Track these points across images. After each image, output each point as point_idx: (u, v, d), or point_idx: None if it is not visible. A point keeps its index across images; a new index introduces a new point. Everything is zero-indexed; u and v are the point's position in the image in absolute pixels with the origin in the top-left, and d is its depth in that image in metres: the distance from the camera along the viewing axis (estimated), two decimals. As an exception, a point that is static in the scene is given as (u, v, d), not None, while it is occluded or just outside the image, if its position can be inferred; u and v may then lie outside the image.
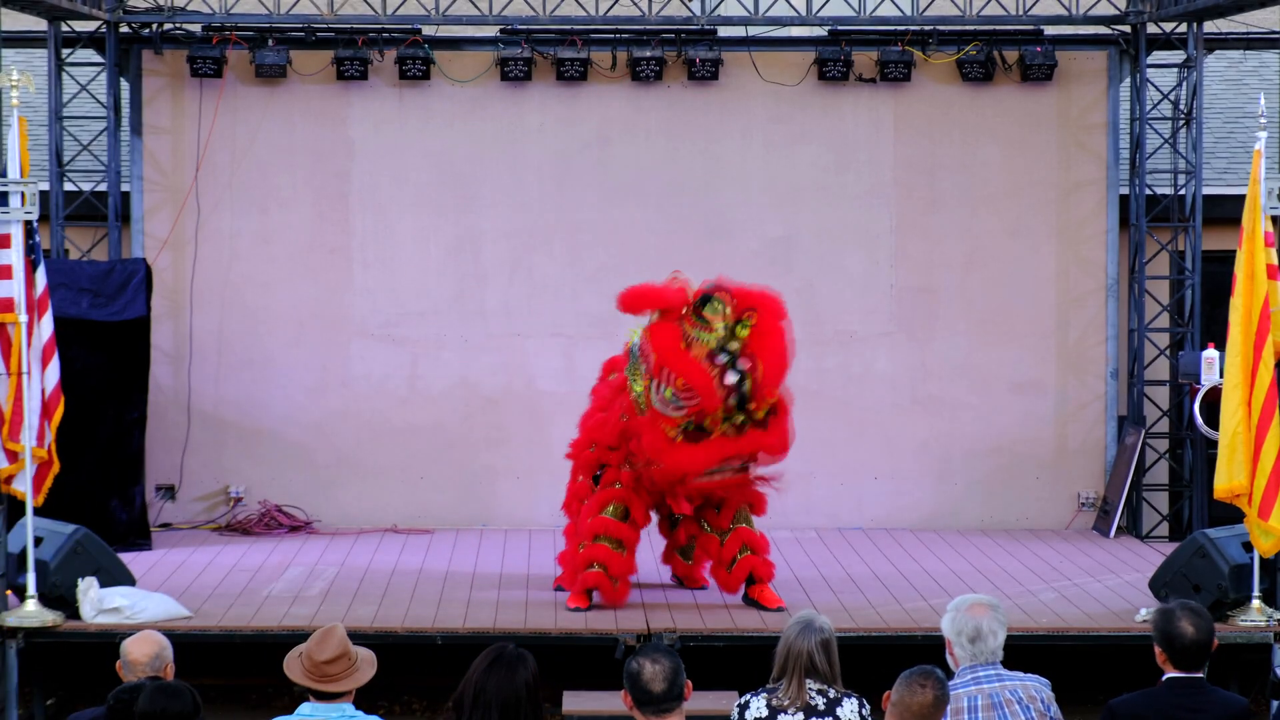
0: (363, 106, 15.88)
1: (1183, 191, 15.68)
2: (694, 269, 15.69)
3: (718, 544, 12.27)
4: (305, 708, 6.57)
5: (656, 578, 13.17)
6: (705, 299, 11.74)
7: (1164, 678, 6.83)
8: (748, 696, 6.75)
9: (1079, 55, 15.94)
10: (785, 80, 15.84)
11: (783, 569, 13.85)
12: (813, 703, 6.65)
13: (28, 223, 11.26)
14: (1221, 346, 11.27)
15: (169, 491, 15.79)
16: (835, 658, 6.74)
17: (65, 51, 15.61)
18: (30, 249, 11.30)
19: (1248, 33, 16.33)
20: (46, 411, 11.38)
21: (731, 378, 11.57)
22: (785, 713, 6.64)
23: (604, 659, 11.49)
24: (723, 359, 11.59)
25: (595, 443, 12.47)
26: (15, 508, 11.48)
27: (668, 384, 11.59)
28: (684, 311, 11.76)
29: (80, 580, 11.54)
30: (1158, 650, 6.81)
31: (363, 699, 6.77)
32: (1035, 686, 6.71)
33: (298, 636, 7.22)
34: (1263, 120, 11.23)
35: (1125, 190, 15.85)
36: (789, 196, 15.94)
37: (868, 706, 6.73)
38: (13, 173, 11.25)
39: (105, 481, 14.48)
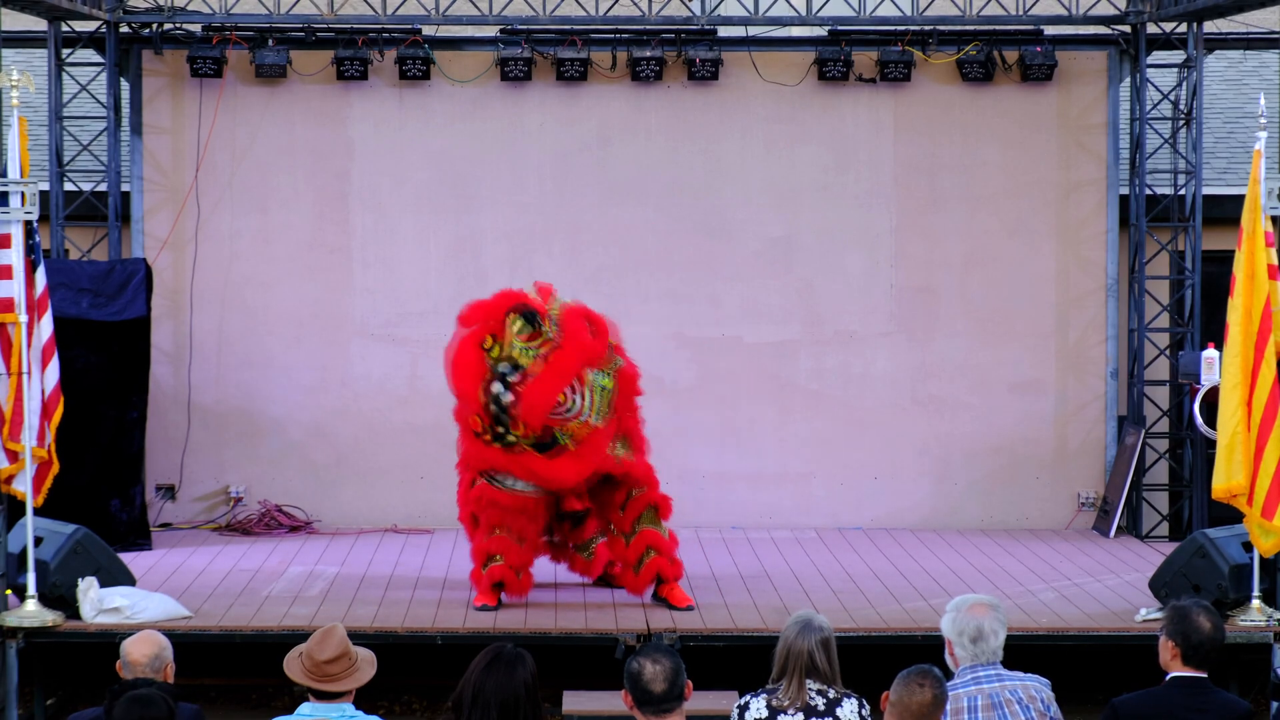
0: (363, 106, 15.89)
1: (1183, 191, 15.67)
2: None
3: (623, 545, 12.24)
4: (305, 708, 6.57)
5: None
6: (527, 314, 11.83)
7: (1168, 676, 6.83)
8: (748, 697, 6.75)
9: (1079, 55, 15.93)
10: (785, 80, 15.84)
11: (782, 569, 13.88)
12: (812, 703, 6.64)
13: (28, 223, 11.25)
14: (1221, 346, 11.26)
15: (169, 491, 15.79)
16: (835, 658, 6.73)
17: (65, 51, 15.61)
18: (30, 249, 11.30)
19: (1248, 33, 16.33)
20: (46, 412, 11.37)
21: (495, 390, 11.70)
22: (785, 713, 6.63)
23: (604, 659, 11.49)
24: (501, 369, 11.73)
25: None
26: (15, 508, 11.47)
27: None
28: (504, 314, 11.88)
29: (80, 580, 11.52)
30: (1169, 646, 6.79)
31: (363, 699, 6.77)
32: (1035, 686, 6.71)
33: (298, 636, 7.22)
34: (1263, 120, 11.23)
35: (1125, 190, 15.85)
36: (789, 196, 15.93)
37: (867, 706, 6.73)
38: (13, 173, 11.23)
39: (105, 481, 14.47)
